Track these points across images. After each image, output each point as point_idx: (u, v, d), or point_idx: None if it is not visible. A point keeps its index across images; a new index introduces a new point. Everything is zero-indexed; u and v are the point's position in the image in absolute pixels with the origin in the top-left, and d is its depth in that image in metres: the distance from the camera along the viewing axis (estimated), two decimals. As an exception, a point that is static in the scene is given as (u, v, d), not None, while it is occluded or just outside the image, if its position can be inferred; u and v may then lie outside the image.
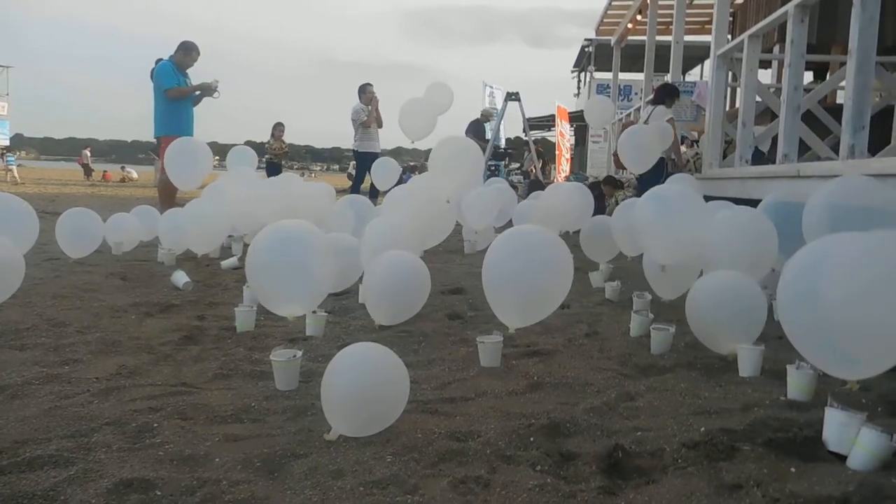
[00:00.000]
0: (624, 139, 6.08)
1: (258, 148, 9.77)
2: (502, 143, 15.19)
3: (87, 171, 27.81)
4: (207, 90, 7.69)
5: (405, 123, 6.98)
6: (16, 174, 22.08)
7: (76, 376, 2.49)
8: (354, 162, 10.98)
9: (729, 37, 7.18)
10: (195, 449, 1.88)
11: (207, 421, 2.10)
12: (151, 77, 7.63)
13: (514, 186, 9.74)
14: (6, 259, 3.20)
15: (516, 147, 19.46)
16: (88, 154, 29.64)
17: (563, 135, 17.30)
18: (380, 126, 10.07)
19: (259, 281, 3.01)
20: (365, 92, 9.99)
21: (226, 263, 4.95)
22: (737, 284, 2.83)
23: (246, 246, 5.69)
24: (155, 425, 2.03)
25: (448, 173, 4.94)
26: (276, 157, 12.78)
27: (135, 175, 27.22)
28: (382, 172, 7.61)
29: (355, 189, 9.48)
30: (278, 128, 12.85)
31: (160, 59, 7.65)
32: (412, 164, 23.94)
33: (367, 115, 9.83)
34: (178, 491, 1.64)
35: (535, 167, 14.57)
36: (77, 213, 5.17)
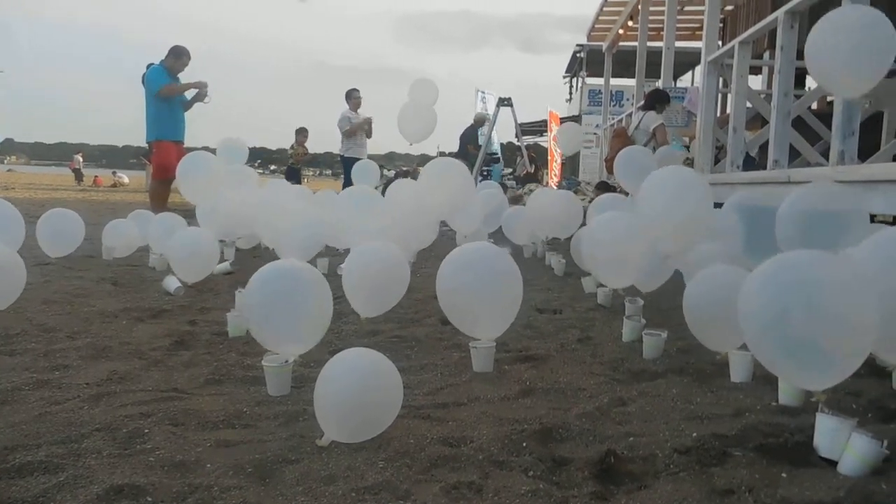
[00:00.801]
0: (621, 159, 6.06)
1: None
2: (495, 148, 15.17)
3: (79, 176, 27.66)
4: (201, 89, 7.67)
5: (404, 129, 7.04)
6: None
7: (66, 382, 2.47)
8: None
9: (720, 43, 7.23)
10: (186, 455, 1.87)
11: (199, 427, 2.09)
12: (143, 82, 7.62)
13: (504, 187, 9.81)
14: (7, 266, 3.19)
15: (505, 153, 19.45)
16: (80, 159, 29.46)
17: (555, 139, 17.35)
18: (368, 136, 10.10)
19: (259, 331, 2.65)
20: (352, 97, 10.03)
21: (218, 268, 4.93)
22: (733, 281, 2.77)
23: (238, 250, 5.67)
24: (146, 431, 2.02)
25: (439, 190, 5.02)
26: (298, 163, 12.34)
27: (126, 180, 27.05)
28: (363, 176, 7.63)
29: None
30: (302, 133, 12.27)
31: (151, 64, 7.65)
32: (405, 168, 23.90)
33: (351, 126, 9.88)
34: (168, 497, 1.63)
35: (527, 172, 14.59)
36: (57, 213, 5.23)
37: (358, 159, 9.66)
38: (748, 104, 5.87)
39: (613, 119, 12.21)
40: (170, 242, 4.41)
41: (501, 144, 18.22)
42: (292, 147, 12.23)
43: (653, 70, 10.37)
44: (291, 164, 12.28)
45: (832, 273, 1.97)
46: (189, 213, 6.00)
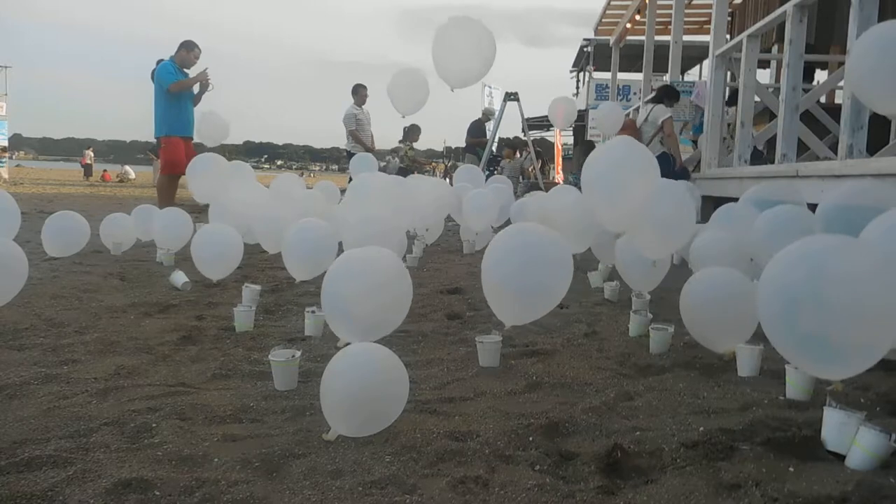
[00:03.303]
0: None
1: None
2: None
3: (89, 171, 27.72)
4: (204, 81, 7.68)
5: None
6: None
7: (75, 376, 2.48)
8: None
9: (728, 37, 7.19)
10: (194, 449, 1.88)
11: (206, 421, 2.10)
12: (152, 78, 7.64)
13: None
14: (10, 259, 3.19)
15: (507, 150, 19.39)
16: (92, 154, 29.49)
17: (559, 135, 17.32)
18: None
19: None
20: (358, 93, 10.02)
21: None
22: (731, 281, 2.77)
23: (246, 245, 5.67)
24: (153, 425, 2.03)
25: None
26: (411, 165, 10.14)
27: (132, 175, 27.14)
28: (361, 169, 7.56)
29: None
30: (414, 131, 10.19)
31: (161, 60, 7.67)
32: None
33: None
34: (176, 491, 1.64)
35: (534, 167, 14.55)
36: (62, 216, 5.20)
37: None
38: (756, 98, 5.85)
39: (620, 113, 12.16)
40: (196, 239, 4.32)
41: (501, 138, 18.17)
42: (408, 147, 9.92)
43: (660, 64, 10.32)
44: (406, 166, 9.88)
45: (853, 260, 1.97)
46: (195, 209, 6.03)
